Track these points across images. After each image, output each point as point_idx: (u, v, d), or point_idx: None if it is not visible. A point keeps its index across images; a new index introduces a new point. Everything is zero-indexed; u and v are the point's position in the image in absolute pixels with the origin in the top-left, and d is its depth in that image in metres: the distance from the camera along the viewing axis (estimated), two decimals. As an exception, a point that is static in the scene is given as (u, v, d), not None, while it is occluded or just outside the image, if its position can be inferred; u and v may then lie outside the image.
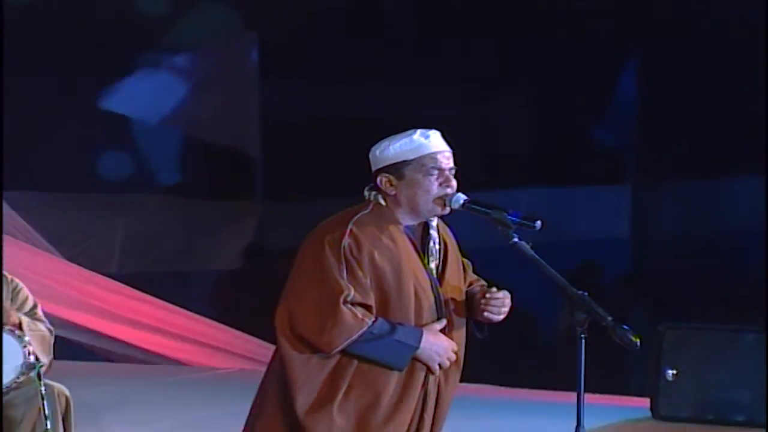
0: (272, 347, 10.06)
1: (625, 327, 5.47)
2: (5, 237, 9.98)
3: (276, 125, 19.60)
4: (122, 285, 14.97)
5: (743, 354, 10.62)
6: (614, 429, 8.90)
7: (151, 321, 14.57)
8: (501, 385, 12.21)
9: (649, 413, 10.99)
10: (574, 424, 8.28)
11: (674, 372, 10.24)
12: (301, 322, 5.52)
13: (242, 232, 19.03)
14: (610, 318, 5.51)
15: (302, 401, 5.49)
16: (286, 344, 5.56)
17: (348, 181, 17.56)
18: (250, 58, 20.04)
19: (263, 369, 12.17)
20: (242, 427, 5.89)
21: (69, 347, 12.88)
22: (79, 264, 15.92)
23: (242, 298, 17.70)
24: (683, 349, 10.71)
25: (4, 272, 8.08)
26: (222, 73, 19.87)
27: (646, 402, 10.58)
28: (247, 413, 9.72)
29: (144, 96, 19.72)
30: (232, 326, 16.33)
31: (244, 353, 14.69)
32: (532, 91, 18.72)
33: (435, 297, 5.65)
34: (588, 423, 9.04)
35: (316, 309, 5.49)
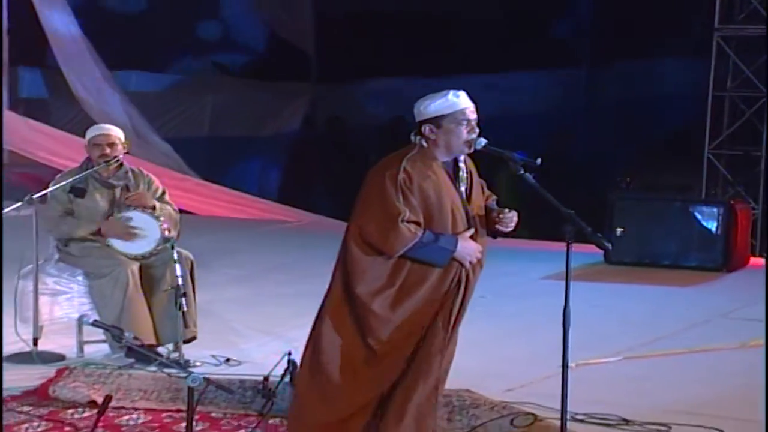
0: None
1: (600, 235, 5.82)
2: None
3: (325, 20, 19.84)
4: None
5: (672, 217, 11.69)
6: (576, 270, 8.93)
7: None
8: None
9: (602, 259, 11.49)
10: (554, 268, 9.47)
11: (621, 229, 11.12)
12: (370, 234, 5.77)
13: (299, 106, 19.27)
14: (589, 229, 5.83)
15: (363, 289, 5.80)
16: (356, 249, 5.80)
17: (382, 67, 18.51)
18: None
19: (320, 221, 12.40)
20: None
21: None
22: (181, 129, 16.67)
23: (299, 154, 18.96)
24: (628, 213, 11.61)
25: (142, 169, 8.54)
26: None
27: (600, 252, 10.48)
28: (313, 258, 10.59)
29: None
30: (294, 175, 17.76)
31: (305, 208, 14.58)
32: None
33: (465, 212, 5.91)
34: (546, 268, 10.04)
35: (381, 225, 5.74)
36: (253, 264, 11.05)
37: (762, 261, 12.03)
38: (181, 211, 8.70)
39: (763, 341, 8.42)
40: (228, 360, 8.15)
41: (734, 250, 11.62)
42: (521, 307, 9.30)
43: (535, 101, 18.78)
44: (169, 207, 8.36)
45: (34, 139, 13.88)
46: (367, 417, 5.90)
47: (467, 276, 5.93)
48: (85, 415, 7.04)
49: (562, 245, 5.96)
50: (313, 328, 5.99)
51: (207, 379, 6.30)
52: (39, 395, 7.31)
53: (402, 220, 5.74)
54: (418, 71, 18.07)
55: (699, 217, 11.65)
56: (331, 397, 5.90)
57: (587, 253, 9.60)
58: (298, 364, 6.23)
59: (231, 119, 18.15)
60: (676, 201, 12.00)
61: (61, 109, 15.97)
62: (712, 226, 11.60)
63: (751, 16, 13.38)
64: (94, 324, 7.41)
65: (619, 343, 8.71)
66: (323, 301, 5.98)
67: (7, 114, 14.58)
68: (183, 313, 7.93)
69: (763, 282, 9.69)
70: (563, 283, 6.00)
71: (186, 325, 8.05)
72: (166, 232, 8.12)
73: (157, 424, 6.93)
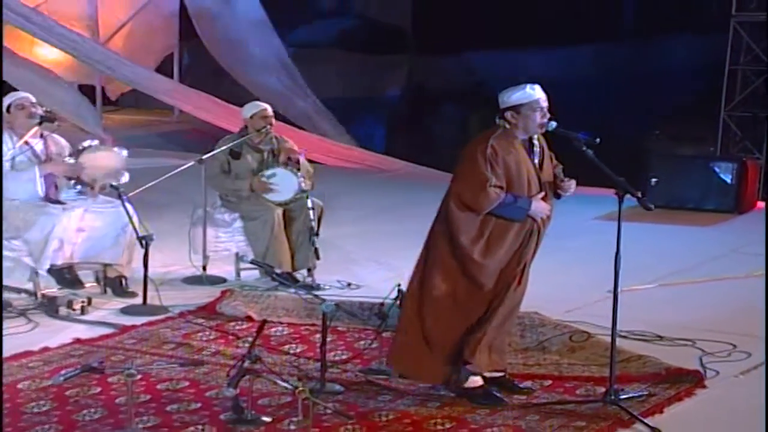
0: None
1: (648, 199, 5.82)
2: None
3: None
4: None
5: (695, 170, 11.58)
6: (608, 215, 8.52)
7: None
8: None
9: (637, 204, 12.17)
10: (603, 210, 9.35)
11: (656, 179, 10.78)
12: (465, 196, 5.78)
13: (399, 76, 18.96)
14: (639, 194, 5.83)
15: (464, 239, 5.80)
16: (455, 208, 5.81)
17: (471, 42, 18.25)
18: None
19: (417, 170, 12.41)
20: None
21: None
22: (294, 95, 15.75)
23: (400, 114, 18.74)
24: (661, 166, 11.52)
25: (283, 136, 8.51)
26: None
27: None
28: (413, 201, 10.46)
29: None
30: (396, 132, 17.08)
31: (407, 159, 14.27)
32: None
33: (538, 179, 5.91)
34: (597, 210, 10.03)
35: (473, 189, 5.77)
36: (366, 206, 11.02)
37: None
38: (311, 161, 8.72)
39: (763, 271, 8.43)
40: (349, 284, 8.20)
41: (744, 196, 11.52)
42: (577, 243, 9.22)
43: (586, 69, 18.56)
44: (307, 164, 8.42)
45: (198, 104, 13.99)
46: (461, 336, 5.95)
47: (538, 228, 5.97)
48: (244, 327, 7.22)
49: (609, 191, 5.99)
50: (422, 268, 5.99)
51: (337, 305, 6.51)
52: (208, 310, 7.49)
53: (489, 185, 5.76)
54: (496, 46, 17.95)
55: (717, 170, 11.54)
56: (435, 322, 5.94)
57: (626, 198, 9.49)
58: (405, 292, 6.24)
59: (343, 85, 17.83)
60: (699, 158, 11.98)
61: (210, 80, 15.76)
62: (727, 177, 11.49)
63: (762, 5, 13.18)
64: (252, 262, 7.63)
65: (653, 272, 8.66)
66: (428, 248, 5.98)
67: (178, 84, 14.74)
68: (316, 248, 8.06)
69: (768, 222, 9.68)
70: (610, 222, 6.08)
71: (317, 257, 8.15)
72: (303, 185, 8.18)
73: (297, 336, 7.09)
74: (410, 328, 5.99)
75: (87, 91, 15.40)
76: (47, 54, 14.23)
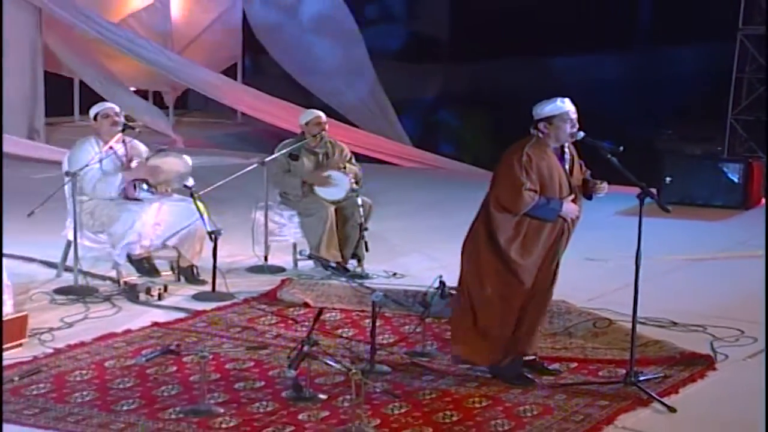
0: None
1: (663, 197, 6.06)
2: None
3: (461, 12, 19.41)
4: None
5: (706, 169, 11.45)
6: (634, 209, 8.74)
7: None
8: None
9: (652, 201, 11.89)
10: (624, 205, 9.18)
11: (670, 178, 10.73)
12: (503, 199, 5.78)
13: (434, 81, 18.66)
14: (660, 201, 5.86)
15: (502, 239, 5.80)
16: (494, 210, 5.81)
17: (501, 50, 18.07)
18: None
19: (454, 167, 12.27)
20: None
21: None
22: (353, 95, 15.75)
23: (433, 117, 18.66)
24: (674, 165, 11.38)
25: (337, 140, 8.45)
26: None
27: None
28: (452, 196, 10.41)
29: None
30: (434, 132, 16.87)
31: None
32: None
33: (568, 183, 5.90)
34: (617, 206, 9.73)
35: (510, 192, 5.76)
36: (410, 201, 10.91)
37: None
38: (359, 158, 8.74)
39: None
40: (394, 274, 8.17)
41: (750, 194, 11.40)
42: (599, 236, 9.11)
43: (605, 75, 18.36)
44: (355, 167, 8.39)
45: (260, 107, 14.00)
46: (509, 327, 5.97)
47: (568, 227, 5.98)
48: (301, 312, 7.22)
49: (631, 189, 5.97)
50: (469, 267, 5.99)
51: (386, 295, 6.52)
52: (270, 297, 7.49)
53: (525, 189, 5.76)
54: (523, 54, 17.81)
55: (726, 170, 11.43)
56: (486, 316, 5.96)
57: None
58: (456, 288, 6.24)
59: (386, 90, 17.17)
60: (709, 159, 11.83)
61: (271, 84, 15.57)
62: (735, 177, 11.38)
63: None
64: (309, 256, 7.64)
65: (667, 264, 8.63)
66: (471, 247, 5.98)
67: (241, 86, 14.73)
68: (365, 242, 8.08)
69: (772, 218, 9.60)
70: (629, 218, 6.28)
71: (366, 249, 8.14)
72: (353, 185, 8.19)
73: (349, 320, 7.10)
74: (464, 320, 6.01)
75: (159, 97, 15.51)
76: (126, 64, 14.25)
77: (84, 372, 5.97)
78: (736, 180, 11.34)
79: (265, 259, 8.23)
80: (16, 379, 5.82)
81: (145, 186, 7.77)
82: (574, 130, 5.88)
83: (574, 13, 18.09)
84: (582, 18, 17.99)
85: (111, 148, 7.71)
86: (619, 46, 18.39)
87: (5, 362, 6.03)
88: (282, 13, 15.45)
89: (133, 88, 14.67)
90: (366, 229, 8.05)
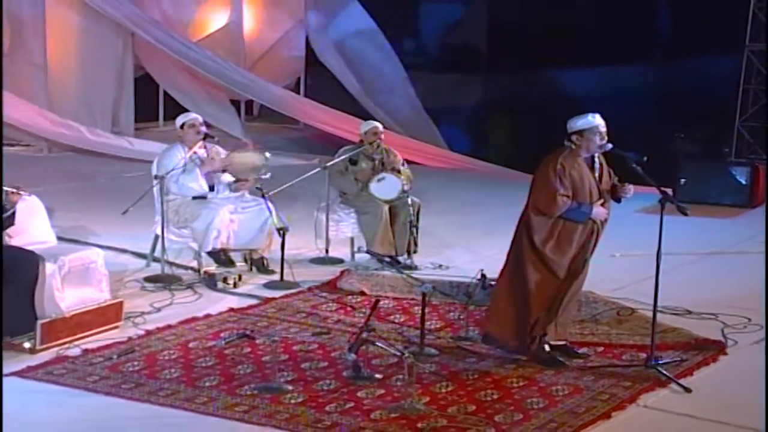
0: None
1: (685, 208, 5.77)
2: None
3: (496, 25, 19.18)
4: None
5: (716, 172, 11.23)
6: (651, 207, 8.33)
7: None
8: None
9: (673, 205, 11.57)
10: (644, 203, 8.93)
11: (684, 180, 10.76)
12: (539, 204, 5.78)
13: (473, 90, 18.41)
14: (679, 205, 5.82)
15: (538, 239, 5.79)
16: (532, 214, 5.81)
17: (538, 61, 17.91)
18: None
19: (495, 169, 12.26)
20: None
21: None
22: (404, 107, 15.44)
23: (464, 124, 18.27)
24: (688, 168, 11.16)
25: (391, 147, 8.36)
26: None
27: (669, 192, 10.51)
28: (491, 196, 10.33)
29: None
30: (475, 136, 16.62)
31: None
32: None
33: (597, 189, 5.88)
34: (638, 204, 9.37)
35: (546, 198, 5.76)
36: (452, 200, 10.84)
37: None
38: (410, 162, 8.68)
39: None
40: (440, 265, 8.13)
41: (756, 194, 11.19)
42: (621, 233, 8.86)
43: (625, 84, 18.15)
44: (407, 170, 8.39)
45: (319, 116, 14.08)
46: (541, 314, 5.94)
47: (598, 228, 5.97)
48: (358, 300, 7.21)
49: (649, 189, 5.96)
50: (510, 262, 5.97)
51: (434, 287, 6.52)
52: (330, 286, 7.48)
53: (559, 195, 5.76)
54: (555, 66, 17.71)
55: (734, 173, 11.24)
56: (524, 304, 5.93)
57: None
58: (496, 276, 6.22)
59: (430, 98, 16.98)
60: (719, 162, 11.62)
61: (329, 96, 15.41)
62: (742, 179, 11.18)
63: (771, 38, 12.93)
64: (367, 251, 7.65)
65: (681, 257, 8.41)
66: (514, 246, 5.97)
67: (304, 99, 14.77)
68: (414, 237, 8.07)
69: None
70: (649, 215, 6.18)
71: (415, 244, 8.14)
72: (405, 187, 8.16)
73: (400, 308, 7.08)
74: (500, 302, 6.01)
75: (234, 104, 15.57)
76: (206, 78, 14.40)
77: (171, 352, 6.04)
78: (743, 181, 11.15)
79: (326, 251, 8.21)
80: (115, 357, 5.90)
81: (224, 179, 7.73)
82: (603, 142, 5.85)
83: (600, 28, 17.96)
84: (606, 33, 17.83)
85: (195, 152, 7.77)
86: (639, 59, 18.25)
87: (105, 342, 6.15)
88: (338, 33, 15.40)
89: (210, 98, 14.74)
90: (415, 225, 8.00)
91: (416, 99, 15.16)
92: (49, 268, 6.12)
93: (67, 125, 12.41)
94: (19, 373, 5.52)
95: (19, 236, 6.41)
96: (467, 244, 8.89)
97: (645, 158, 5.79)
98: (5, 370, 5.49)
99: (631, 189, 5.96)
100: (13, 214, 6.01)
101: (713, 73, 16.39)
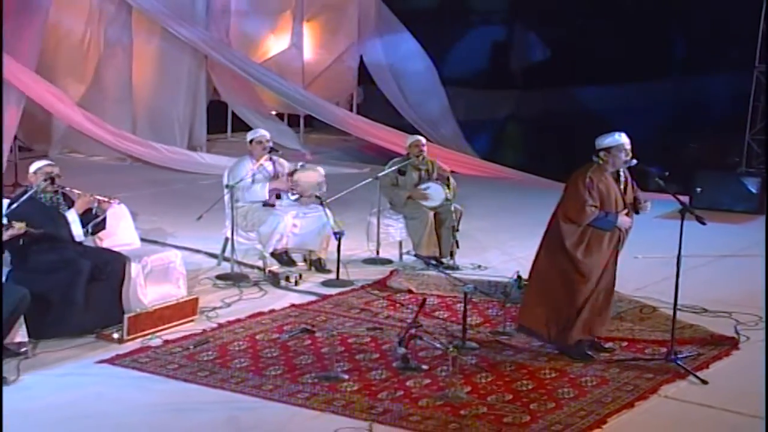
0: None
1: (703, 218, 5.67)
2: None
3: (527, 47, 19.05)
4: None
5: (729, 181, 11.04)
6: (669, 213, 8.29)
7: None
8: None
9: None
10: (663, 210, 8.59)
11: (700, 189, 10.65)
12: (570, 213, 5.72)
13: (505, 106, 18.10)
14: (698, 215, 5.71)
15: (569, 243, 5.72)
16: (563, 222, 5.75)
17: (564, 80, 17.81)
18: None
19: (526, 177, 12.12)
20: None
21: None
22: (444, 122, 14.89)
23: (499, 136, 18.00)
24: (703, 179, 11.01)
25: (435, 159, 8.21)
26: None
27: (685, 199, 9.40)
28: (523, 202, 10.16)
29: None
30: (509, 147, 16.37)
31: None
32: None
33: (623, 200, 5.82)
34: (658, 211, 8.74)
35: (576, 208, 5.71)
36: (489, 206, 10.70)
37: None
38: (453, 172, 8.60)
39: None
40: (479, 266, 8.08)
41: (765, 201, 10.93)
42: (642, 237, 8.73)
43: (645, 100, 17.93)
44: (452, 181, 8.29)
45: (369, 130, 14.06)
46: (572, 312, 5.86)
47: (623, 235, 5.91)
48: (406, 297, 7.17)
49: (666, 197, 5.95)
50: (541, 263, 5.91)
51: (475, 287, 6.48)
52: (381, 284, 7.45)
53: (587, 205, 5.70)
54: (580, 84, 17.55)
55: (746, 182, 11.05)
56: (555, 301, 5.88)
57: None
58: (526, 277, 6.17)
59: (466, 111, 16.59)
60: (732, 173, 11.40)
61: (379, 111, 15.24)
62: (753, 188, 10.99)
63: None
64: (416, 255, 7.62)
65: (697, 259, 8.33)
66: (545, 249, 5.90)
67: (356, 116, 14.77)
68: (456, 240, 8.02)
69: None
70: (668, 221, 6.09)
71: (457, 246, 8.08)
72: (448, 195, 8.11)
73: (443, 305, 7.02)
74: (533, 299, 5.95)
75: (293, 117, 15.66)
76: (269, 94, 14.50)
77: (240, 343, 6.03)
78: (753, 190, 10.96)
79: (377, 253, 8.16)
80: (191, 347, 5.94)
81: (291, 196, 7.79)
82: (628, 158, 5.79)
83: (619, 50, 17.73)
84: (625, 54, 17.61)
85: (261, 165, 7.80)
86: (656, 77, 17.91)
87: (183, 334, 6.18)
88: (387, 55, 15.28)
89: (273, 112, 14.87)
90: (457, 230, 7.96)
91: (452, 114, 15.01)
92: (134, 268, 6.21)
93: (148, 145, 12.47)
94: (109, 361, 5.63)
95: (108, 239, 6.55)
96: (502, 246, 8.81)
97: (666, 173, 5.79)
98: (97, 358, 5.62)
99: (648, 206, 5.91)
100: (104, 219, 6.12)
101: (726, 89, 16.07)
